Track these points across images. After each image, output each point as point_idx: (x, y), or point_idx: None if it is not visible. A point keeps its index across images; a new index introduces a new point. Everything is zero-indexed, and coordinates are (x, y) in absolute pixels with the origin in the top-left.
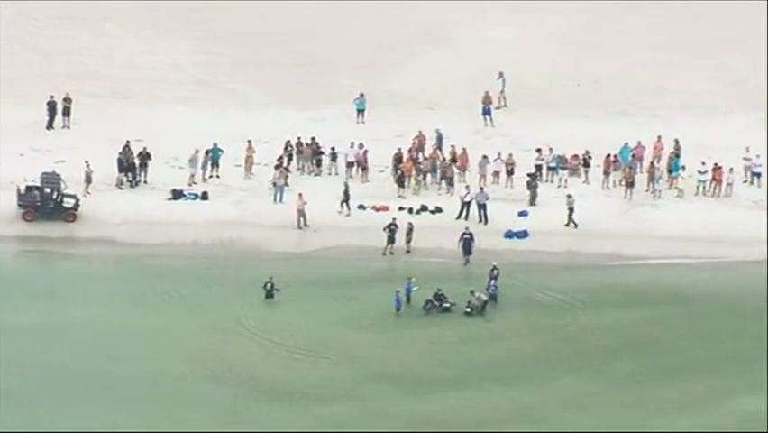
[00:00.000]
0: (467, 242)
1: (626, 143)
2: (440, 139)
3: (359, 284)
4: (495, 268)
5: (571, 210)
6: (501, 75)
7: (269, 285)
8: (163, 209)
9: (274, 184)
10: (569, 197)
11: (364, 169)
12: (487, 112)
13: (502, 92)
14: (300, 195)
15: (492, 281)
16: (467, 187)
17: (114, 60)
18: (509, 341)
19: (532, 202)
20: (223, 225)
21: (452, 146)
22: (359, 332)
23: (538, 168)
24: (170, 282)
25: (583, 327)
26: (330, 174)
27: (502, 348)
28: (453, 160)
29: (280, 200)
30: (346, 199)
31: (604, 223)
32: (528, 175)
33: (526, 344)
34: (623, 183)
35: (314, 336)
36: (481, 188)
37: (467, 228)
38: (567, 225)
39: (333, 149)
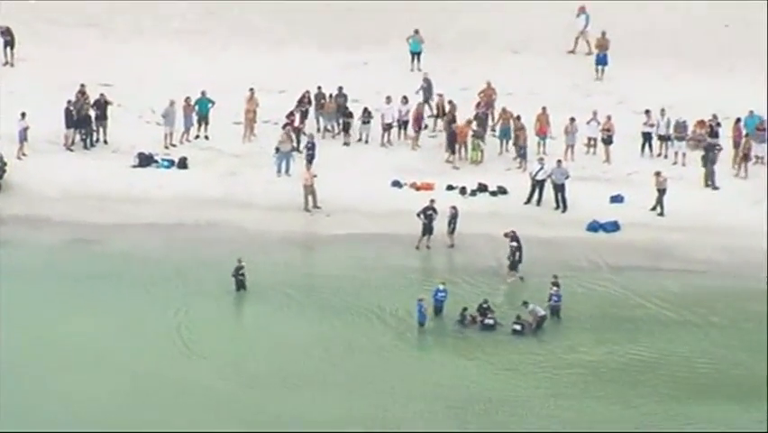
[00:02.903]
0: (513, 251)
1: (752, 111)
2: (428, 89)
3: (373, 288)
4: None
5: (660, 192)
6: (582, 10)
7: (239, 271)
8: (123, 180)
9: (278, 150)
10: (657, 174)
11: (417, 130)
12: (601, 61)
13: (582, 33)
14: (309, 165)
15: (554, 289)
16: (540, 160)
17: None
18: (569, 376)
19: (708, 183)
20: (202, 203)
21: (440, 95)
22: (357, 356)
23: (646, 136)
24: (108, 279)
25: (678, 359)
26: (360, 140)
27: (559, 386)
28: (442, 114)
29: (286, 172)
30: (310, 159)
31: (725, 215)
32: (705, 148)
33: (592, 380)
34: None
35: (291, 363)
36: (558, 162)
37: (512, 233)
38: (653, 209)
39: (365, 109)
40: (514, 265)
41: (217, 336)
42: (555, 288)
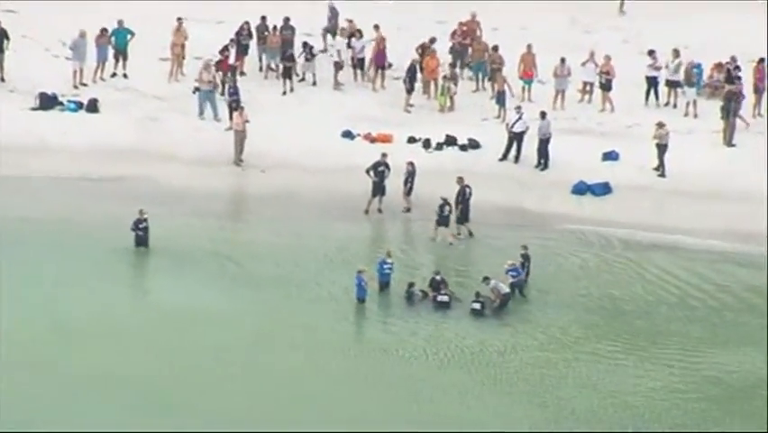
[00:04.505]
0: (441, 206)
1: None
2: (333, 18)
3: (310, 258)
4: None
5: (661, 148)
6: None
7: (139, 225)
8: (20, 125)
9: (197, 90)
10: (660, 126)
11: (379, 69)
12: None
13: None
14: (242, 109)
15: (509, 264)
16: (517, 109)
17: None
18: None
19: (726, 141)
20: (114, 153)
21: (350, 21)
22: (277, 338)
23: (651, 81)
24: None
25: (666, 353)
26: (303, 80)
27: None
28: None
29: (215, 117)
30: (233, 107)
31: (738, 178)
32: (726, 97)
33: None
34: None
35: (193, 343)
36: (542, 114)
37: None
38: (656, 168)
39: (305, 44)
40: (442, 221)
41: (107, 308)
42: (522, 260)
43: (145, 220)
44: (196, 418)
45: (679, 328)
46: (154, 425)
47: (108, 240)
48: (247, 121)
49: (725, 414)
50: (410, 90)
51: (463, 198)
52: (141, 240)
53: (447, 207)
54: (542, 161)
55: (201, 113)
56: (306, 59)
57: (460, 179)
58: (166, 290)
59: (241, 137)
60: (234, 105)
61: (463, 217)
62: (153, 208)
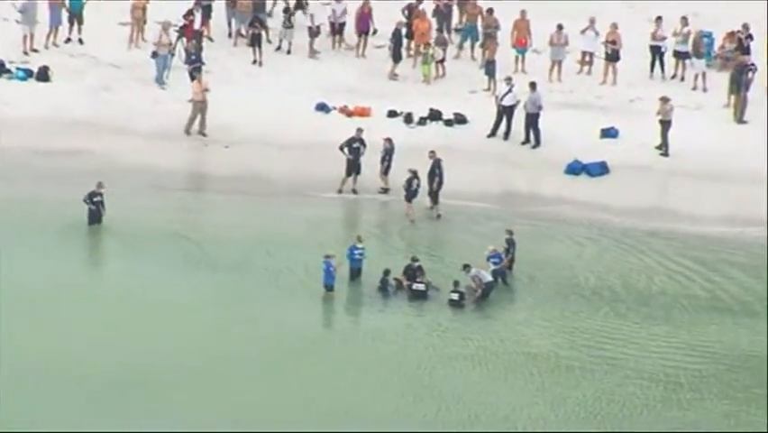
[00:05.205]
0: (409, 179)
1: None
2: None
3: (277, 242)
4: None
5: (664, 124)
6: None
7: (93, 198)
8: None
9: (155, 54)
10: (664, 101)
11: (362, 35)
12: None
13: None
14: (200, 76)
15: (491, 249)
16: (507, 80)
17: None
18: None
19: (737, 117)
20: (64, 126)
21: None
22: (235, 334)
23: (655, 51)
24: None
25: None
26: (280, 49)
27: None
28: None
29: (160, 80)
30: (192, 67)
31: (747, 158)
32: (736, 69)
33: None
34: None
35: (137, 333)
36: (532, 85)
37: (411, 176)
38: (659, 147)
39: (286, 11)
40: (410, 196)
41: (54, 293)
42: (506, 246)
43: (101, 194)
44: (149, 415)
45: (676, 322)
46: (103, 424)
47: (58, 218)
48: (206, 90)
49: (725, 414)
50: (397, 58)
51: (439, 172)
52: (95, 216)
53: (416, 181)
54: (530, 138)
55: (159, 80)
56: (285, 27)
57: (432, 153)
58: (120, 273)
59: (200, 108)
60: (195, 74)
61: (435, 194)
62: (108, 185)
